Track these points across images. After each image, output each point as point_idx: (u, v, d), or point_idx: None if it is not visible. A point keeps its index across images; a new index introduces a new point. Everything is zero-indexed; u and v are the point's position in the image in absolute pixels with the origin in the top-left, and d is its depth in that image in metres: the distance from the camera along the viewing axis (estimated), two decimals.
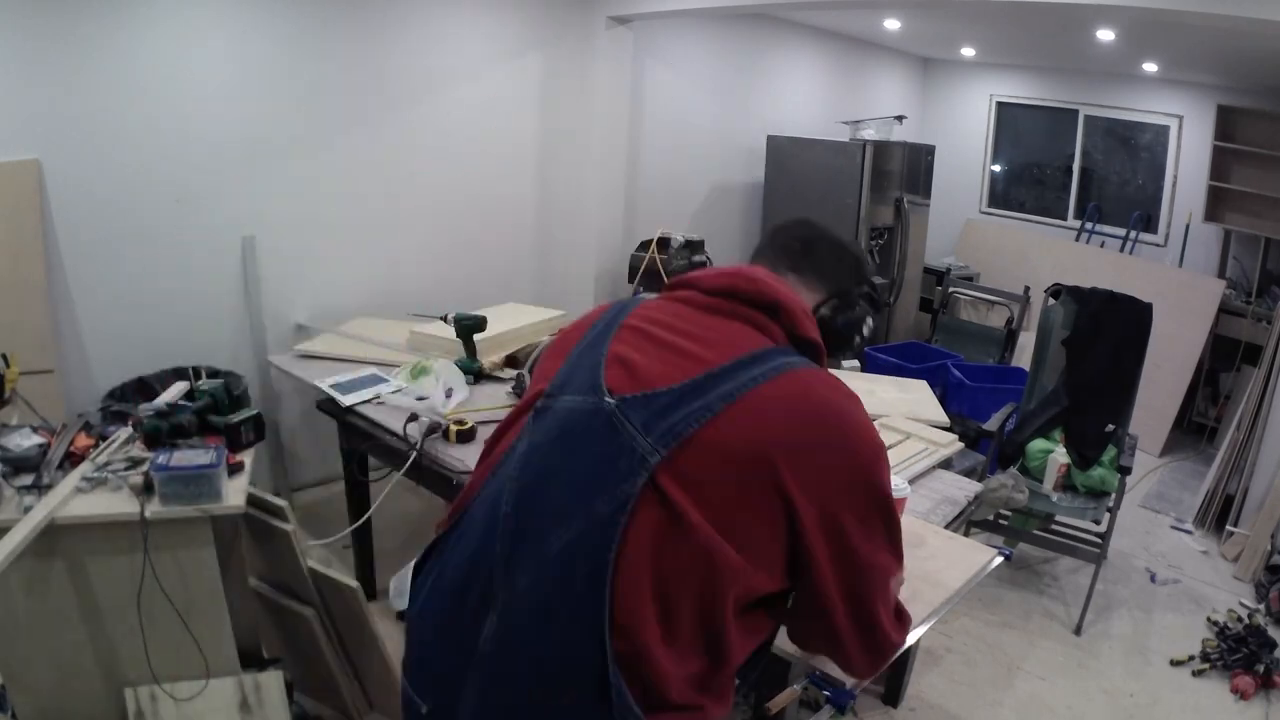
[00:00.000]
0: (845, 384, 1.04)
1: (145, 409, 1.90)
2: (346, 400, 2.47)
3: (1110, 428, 3.13)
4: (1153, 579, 3.38)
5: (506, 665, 0.92)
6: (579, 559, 0.90)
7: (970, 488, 2.12)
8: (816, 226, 1.26)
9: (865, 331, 1.22)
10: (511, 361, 2.81)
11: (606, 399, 0.96)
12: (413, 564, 1.14)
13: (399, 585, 2.59)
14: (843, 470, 0.97)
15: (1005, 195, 6.68)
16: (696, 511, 0.90)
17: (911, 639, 1.48)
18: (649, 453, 0.91)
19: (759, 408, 0.94)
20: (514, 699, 0.92)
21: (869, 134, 5.03)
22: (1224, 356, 5.03)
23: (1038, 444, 3.18)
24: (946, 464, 2.27)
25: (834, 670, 1.33)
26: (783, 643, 1.40)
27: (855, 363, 3.91)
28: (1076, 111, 6.11)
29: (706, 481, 0.91)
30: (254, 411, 1.97)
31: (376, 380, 2.60)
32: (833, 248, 1.23)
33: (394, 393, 2.48)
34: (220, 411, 1.96)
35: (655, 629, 0.89)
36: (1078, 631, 2.95)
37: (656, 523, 0.90)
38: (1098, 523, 3.10)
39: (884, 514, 1.02)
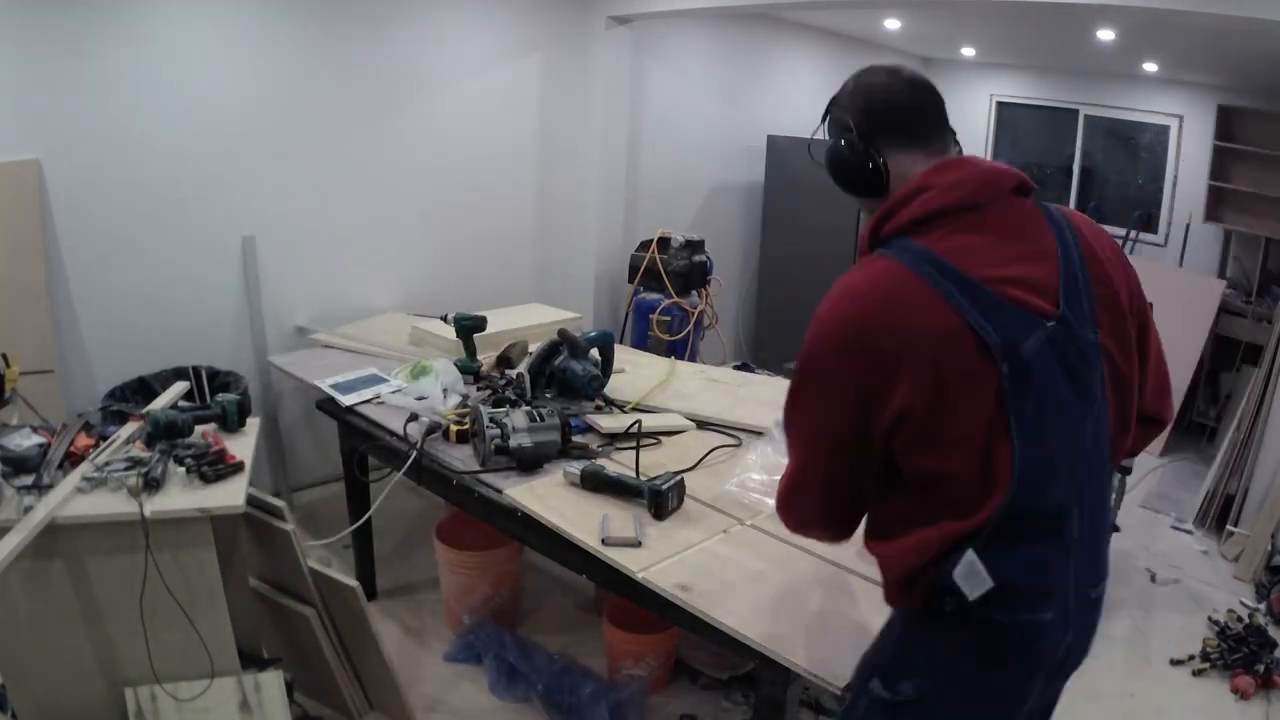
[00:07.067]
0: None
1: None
2: (346, 400, 2.47)
3: None
4: (1153, 579, 3.38)
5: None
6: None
7: None
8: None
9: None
10: (504, 361, 2.73)
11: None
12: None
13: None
14: None
15: None
16: None
17: None
18: None
19: None
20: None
21: None
22: (1224, 356, 5.02)
23: None
24: None
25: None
26: (781, 645, 1.40)
27: None
28: (1076, 111, 6.11)
29: None
30: (235, 397, 2.01)
31: (376, 380, 2.60)
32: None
33: (394, 393, 2.48)
34: (229, 426, 1.97)
35: None
36: None
37: None
38: None
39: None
